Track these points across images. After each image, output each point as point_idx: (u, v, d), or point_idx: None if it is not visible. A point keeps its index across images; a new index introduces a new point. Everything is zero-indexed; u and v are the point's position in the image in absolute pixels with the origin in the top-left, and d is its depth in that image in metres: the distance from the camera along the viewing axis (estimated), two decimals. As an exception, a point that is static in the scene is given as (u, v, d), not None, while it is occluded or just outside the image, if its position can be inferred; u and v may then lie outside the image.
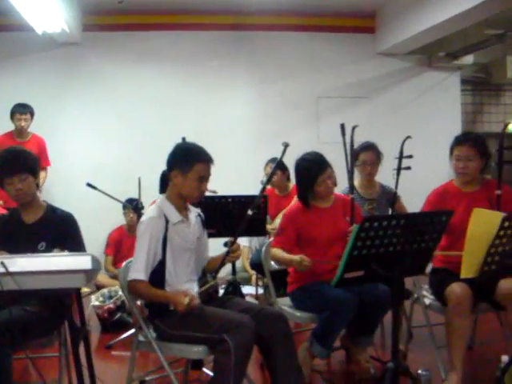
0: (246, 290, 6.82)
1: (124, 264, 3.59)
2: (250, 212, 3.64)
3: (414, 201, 4.82)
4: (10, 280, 2.85)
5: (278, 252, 4.12)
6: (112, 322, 5.56)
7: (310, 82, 8.55)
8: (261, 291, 6.41)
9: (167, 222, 3.48)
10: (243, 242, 7.21)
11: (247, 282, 7.20)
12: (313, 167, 4.13)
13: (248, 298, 6.12)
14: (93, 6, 7.73)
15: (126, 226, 7.17)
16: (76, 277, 2.89)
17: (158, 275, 3.45)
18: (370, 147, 5.08)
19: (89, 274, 2.92)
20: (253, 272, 6.85)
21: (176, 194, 3.56)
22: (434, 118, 8.61)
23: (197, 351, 3.34)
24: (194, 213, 3.71)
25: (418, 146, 7.28)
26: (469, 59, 8.71)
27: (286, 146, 3.80)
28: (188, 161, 3.48)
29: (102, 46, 8.12)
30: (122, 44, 8.16)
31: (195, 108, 8.26)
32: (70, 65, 8.07)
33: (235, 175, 7.65)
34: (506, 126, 4.25)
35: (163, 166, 5.82)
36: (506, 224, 3.05)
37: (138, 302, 3.68)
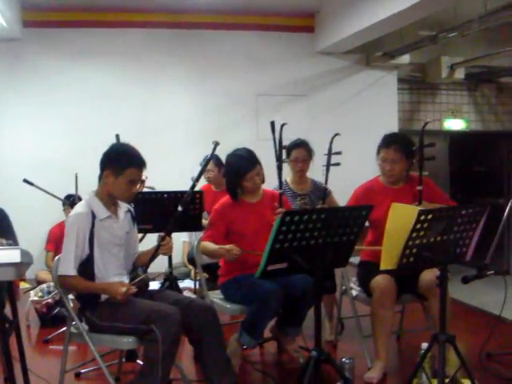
0: (186, 284, 6.91)
1: (56, 259, 3.63)
2: (180, 208, 3.72)
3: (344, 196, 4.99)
4: None
5: (207, 244, 4.22)
6: (51, 317, 5.59)
7: (249, 79, 8.65)
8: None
9: (94, 217, 3.53)
10: (184, 237, 7.30)
11: (187, 276, 7.27)
12: (243, 164, 4.23)
13: (186, 293, 6.20)
14: (33, 2, 7.71)
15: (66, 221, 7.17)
16: (5, 270, 2.95)
17: (86, 270, 3.50)
18: (301, 144, 5.19)
19: (18, 267, 2.98)
20: (191, 267, 6.92)
21: (106, 192, 3.61)
22: (372, 116, 8.81)
23: (127, 342, 3.43)
24: (124, 208, 3.77)
25: (356, 144, 7.56)
26: (405, 59, 8.91)
27: (216, 144, 3.90)
28: (121, 164, 3.53)
29: (43, 42, 8.07)
30: (63, 40, 8.12)
31: (136, 104, 8.28)
32: (10, 60, 7.99)
33: (176, 171, 7.69)
34: (425, 124, 4.37)
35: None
36: (422, 218, 3.17)
37: (71, 296, 3.74)
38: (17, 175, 6.44)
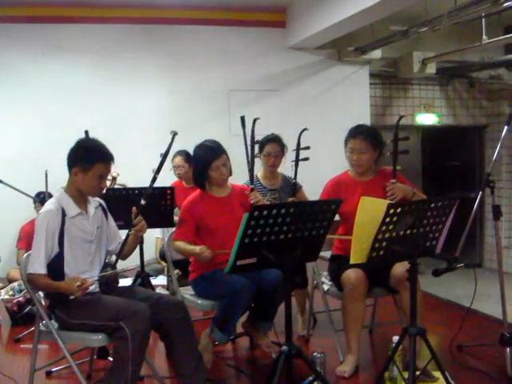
0: (159, 281, 6.89)
1: (25, 256, 3.61)
2: (142, 201, 3.69)
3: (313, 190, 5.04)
4: None
5: (180, 244, 4.19)
6: (22, 316, 5.53)
7: (221, 75, 8.62)
8: (173, 282, 6.49)
9: (64, 215, 3.51)
10: (157, 233, 7.29)
11: (160, 273, 7.26)
12: (208, 152, 4.24)
13: (159, 289, 6.18)
14: (1, -3, 7.61)
15: (38, 219, 7.12)
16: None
17: (56, 268, 3.47)
18: (275, 139, 5.19)
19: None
20: (165, 263, 6.91)
21: (75, 189, 3.59)
22: (344, 111, 8.79)
23: (96, 339, 3.41)
24: (94, 204, 3.74)
25: (329, 138, 7.55)
26: (377, 54, 8.91)
27: (174, 134, 3.86)
28: (89, 159, 3.51)
29: (10, 38, 7.95)
30: (31, 36, 8.01)
31: (106, 100, 8.22)
32: (-22, 56, 7.89)
33: (147, 167, 7.57)
34: (400, 118, 4.39)
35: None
36: (392, 211, 3.18)
37: (41, 293, 3.71)
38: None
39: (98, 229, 3.71)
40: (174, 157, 6.54)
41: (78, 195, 3.61)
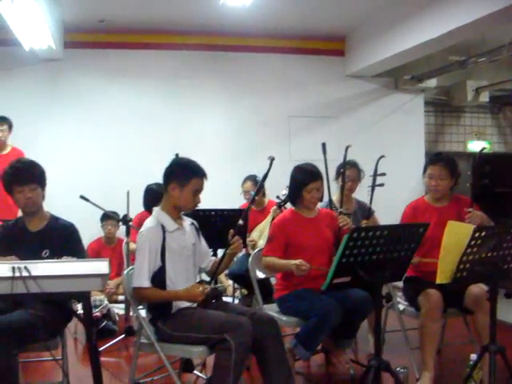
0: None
1: (126, 272, 3.87)
2: (240, 222, 3.91)
3: (377, 214, 5.34)
4: (33, 283, 3.04)
5: (271, 259, 4.38)
6: (98, 331, 5.69)
7: (282, 101, 8.84)
8: (236, 302, 6.65)
9: (164, 230, 3.75)
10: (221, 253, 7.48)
11: (223, 293, 7.44)
12: (307, 174, 4.42)
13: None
14: (75, 23, 7.93)
15: (104, 237, 7.38)
16: (93, 281, 3.12)
17: (159, 281, 3.70)
18: (354, 164, 5.46)
19: (104, 278, 3.17)
20: (229, 283, 7.10)
21: (171, 205, 3.84)
22: (400, 138, 8.98)
23: (197, 351, 3.60)
24: (188, 221, 4.00)
25: (384, 165, 7.70)
26: (432, 82, 9.10)
27: (272, 159, 4.02)
28: (186, 175, 3.77)
29: (83, 63, 8.26)
30: (103, 61, 8.33)
31: (173, 124, 8.47)
32: (51, 80, 8.19)
33: (208, 189, 7.85)
34: (481, 150, 4.58)
35: (144, 181, 6.04)
36: (477, 235, 3.39)
37: (141, 307, 3.92)
38: (55, 194, 6.57)
39: (194, 245, 3.95)
40: (245, 182, 6.77)
41: (174, 212, 3.86)
